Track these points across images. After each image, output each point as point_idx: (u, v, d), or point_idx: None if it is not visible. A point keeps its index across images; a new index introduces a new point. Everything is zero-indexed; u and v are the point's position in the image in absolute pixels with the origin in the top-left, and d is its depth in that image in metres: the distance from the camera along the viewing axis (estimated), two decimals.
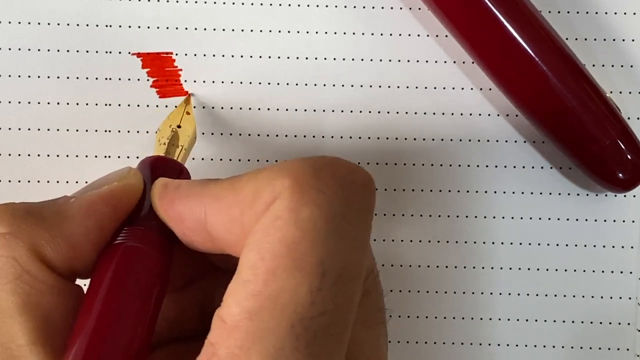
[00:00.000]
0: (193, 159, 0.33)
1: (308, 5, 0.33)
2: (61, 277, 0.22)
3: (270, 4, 0.33)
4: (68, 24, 0.33)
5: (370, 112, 0.33)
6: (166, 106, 0.33)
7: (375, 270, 0.23)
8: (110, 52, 0.33)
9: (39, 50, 0.33)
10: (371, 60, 0.33)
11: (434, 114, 0.33)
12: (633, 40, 0.33)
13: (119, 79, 0.33)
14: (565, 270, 0.34)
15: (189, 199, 0.22)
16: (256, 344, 0.19)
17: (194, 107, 0.33)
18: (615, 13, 0.33)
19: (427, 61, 0.33)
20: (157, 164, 0.26)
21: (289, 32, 0.33)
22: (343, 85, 0.33)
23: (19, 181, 0.33)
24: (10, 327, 0.21)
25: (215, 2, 0.33)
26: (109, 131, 0.33)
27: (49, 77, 0.33)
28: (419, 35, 0.33)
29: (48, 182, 0.33)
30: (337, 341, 0.20)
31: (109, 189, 0.23)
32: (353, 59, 0.33)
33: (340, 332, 0.20)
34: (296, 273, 0.19)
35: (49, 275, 0.22)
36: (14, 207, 0.22)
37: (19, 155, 0.33)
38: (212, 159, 0.33)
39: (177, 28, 0.33)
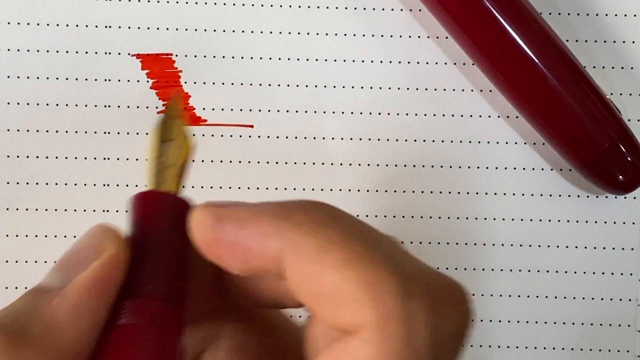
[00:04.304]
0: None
1: (308, 7, 0.33)
2: None
3: (271, 5, 0.33)
4: (68, 24, 0.33)
5: (370, 113, 0.33)
6: (165, 107, 0.33)
7: None
8: (110, 53, 0.33)
9: (38, 50, 0.33)
10: (371, 61, 0.33)
11: (434, 115, 0.33)
12: (633, 42, 0.33)
13: (119, 80, 0.33)
14: (566, 271, 0.34)
15: (263, 234, 0.19)
16: None
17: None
18: (616, 15, 0.33)
19: (427, 63, 0.33)
20: (149, 205, 0.21)
21: (289, 33, 0.33)
22: (343, 87, 0.33)
23: (18, 183, 0.33)
24: None
25: (215, 3, 0.33)
26: (109, 132, 0.33)
27: (48, 77, 0.33)
28: (419, 37, 0.33)
29: (47, 184, 0.33)
30: None
31: (92, 274, 0.21)
32: (353, 61, 0.33)
33: None
34: None
35: None
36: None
37: (19, 156, 0.33)
38: (212, 161, 0.33)
39: (177, 29, 0.33)
